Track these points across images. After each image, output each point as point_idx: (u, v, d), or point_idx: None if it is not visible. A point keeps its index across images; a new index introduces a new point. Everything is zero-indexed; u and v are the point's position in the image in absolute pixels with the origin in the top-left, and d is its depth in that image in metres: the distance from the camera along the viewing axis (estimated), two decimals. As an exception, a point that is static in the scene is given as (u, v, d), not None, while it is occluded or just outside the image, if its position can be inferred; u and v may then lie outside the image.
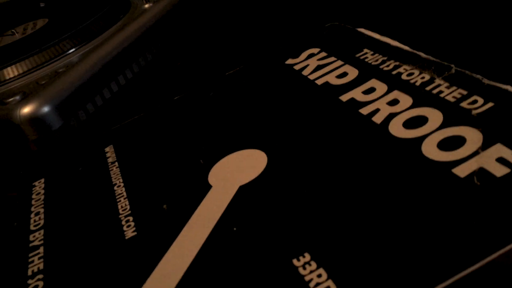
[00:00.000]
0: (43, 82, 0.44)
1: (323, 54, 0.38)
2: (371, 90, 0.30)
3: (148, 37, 0.52)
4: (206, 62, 0.51)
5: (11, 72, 0.47)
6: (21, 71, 0.47)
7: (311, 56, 0.38)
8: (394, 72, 0.31)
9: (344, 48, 0.37)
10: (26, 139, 0.41)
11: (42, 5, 0.64)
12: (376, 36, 0.37)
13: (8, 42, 0.55)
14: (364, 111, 0.28)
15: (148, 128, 0.36)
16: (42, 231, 0.28)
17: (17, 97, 0.43)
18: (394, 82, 0.30)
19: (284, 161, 0.26)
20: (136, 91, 0.49)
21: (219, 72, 0.45)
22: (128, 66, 0.49)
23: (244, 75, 0.39)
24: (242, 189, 0.25)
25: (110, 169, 0.32)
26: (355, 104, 0.29)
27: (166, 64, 0.54)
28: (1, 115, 0.42)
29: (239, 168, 0.27)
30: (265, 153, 0.28)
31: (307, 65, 0.37)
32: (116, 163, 0.33)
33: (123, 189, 0.29)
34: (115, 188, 0.30)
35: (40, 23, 0.58)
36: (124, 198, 0.28)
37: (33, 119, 0.41)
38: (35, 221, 0.30)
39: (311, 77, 0.35)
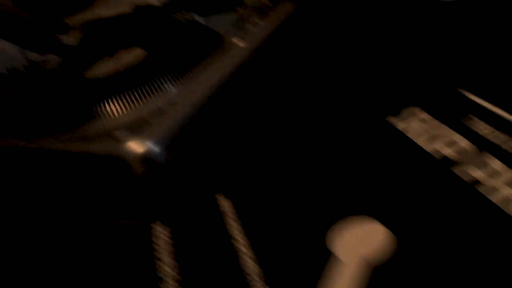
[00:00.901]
0: (149, 118, 0.47)
1: (426, 115, 0.39)
2: (485, 165, 0.31)
3: (242, 73, 0.54)
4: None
5: (115, 105, 0.50)
6: (124, 105, 0.50)
7: (411, 115, 0.39)
8: (506, 148, 0.32)
9: (447, 111, 0.38)
10: (131, 175, 0.44)
11: (130, 31, 0.67)
12: (482, 102, 0.38)
13: (105, 71, 0.58)
14: (482, 189, 0.30)
15: (264, 177, 0.38)
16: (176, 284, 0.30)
17: (124, 132, 0.46)
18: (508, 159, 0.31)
19: (415, 242, 0.27)
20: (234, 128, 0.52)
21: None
22: (226, 100, 0.52)
23: (346, 131, 0.41)
24: (377, 271, 0.27)
25: (225, 220, 0.34)
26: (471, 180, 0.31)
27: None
28: (107, 150, 0.45)
29: (366, 243, 0.28)
30: (391, 231, 0.29)
31: (410, 126, 0.38)
32: (231, 215, 0.35)
33: (245, 245, 0.31)
34: (234, 242, 0.32)
35: (134, 53, 0.61)
36: (250, 258, 0.30)
37: (140, 155, 0.44)
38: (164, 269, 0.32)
39: (419, 142, 0.36)
